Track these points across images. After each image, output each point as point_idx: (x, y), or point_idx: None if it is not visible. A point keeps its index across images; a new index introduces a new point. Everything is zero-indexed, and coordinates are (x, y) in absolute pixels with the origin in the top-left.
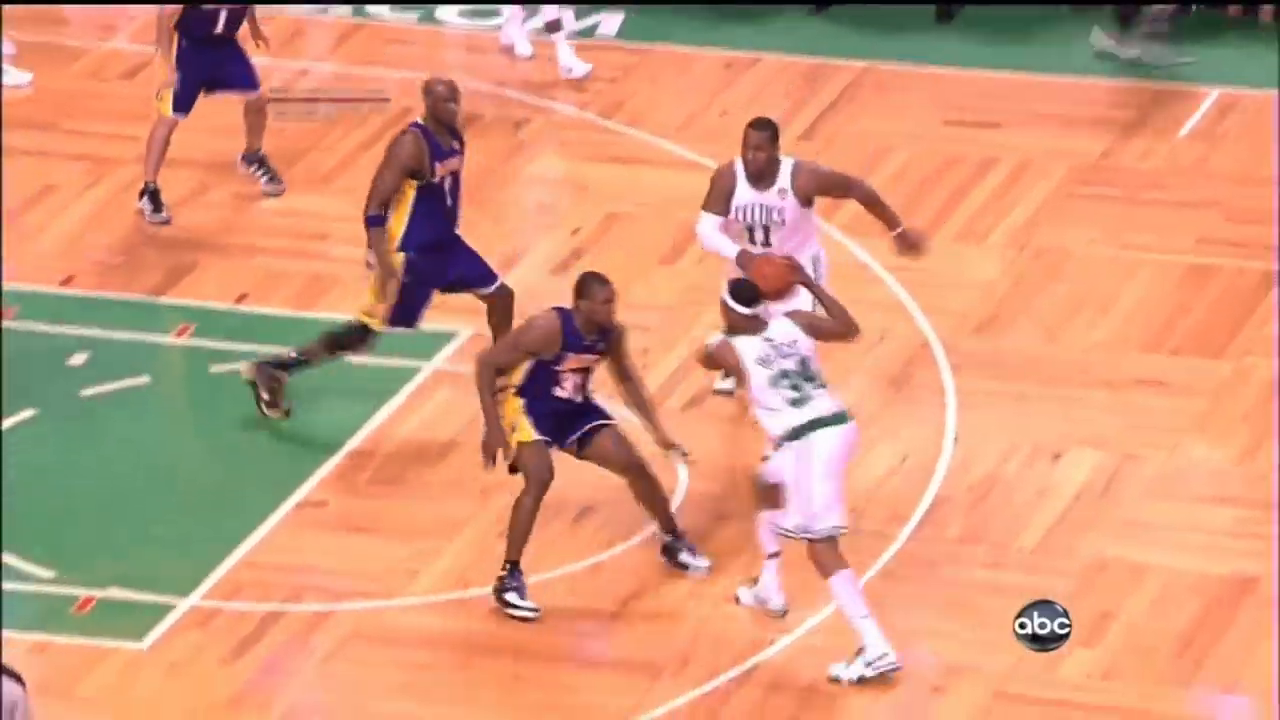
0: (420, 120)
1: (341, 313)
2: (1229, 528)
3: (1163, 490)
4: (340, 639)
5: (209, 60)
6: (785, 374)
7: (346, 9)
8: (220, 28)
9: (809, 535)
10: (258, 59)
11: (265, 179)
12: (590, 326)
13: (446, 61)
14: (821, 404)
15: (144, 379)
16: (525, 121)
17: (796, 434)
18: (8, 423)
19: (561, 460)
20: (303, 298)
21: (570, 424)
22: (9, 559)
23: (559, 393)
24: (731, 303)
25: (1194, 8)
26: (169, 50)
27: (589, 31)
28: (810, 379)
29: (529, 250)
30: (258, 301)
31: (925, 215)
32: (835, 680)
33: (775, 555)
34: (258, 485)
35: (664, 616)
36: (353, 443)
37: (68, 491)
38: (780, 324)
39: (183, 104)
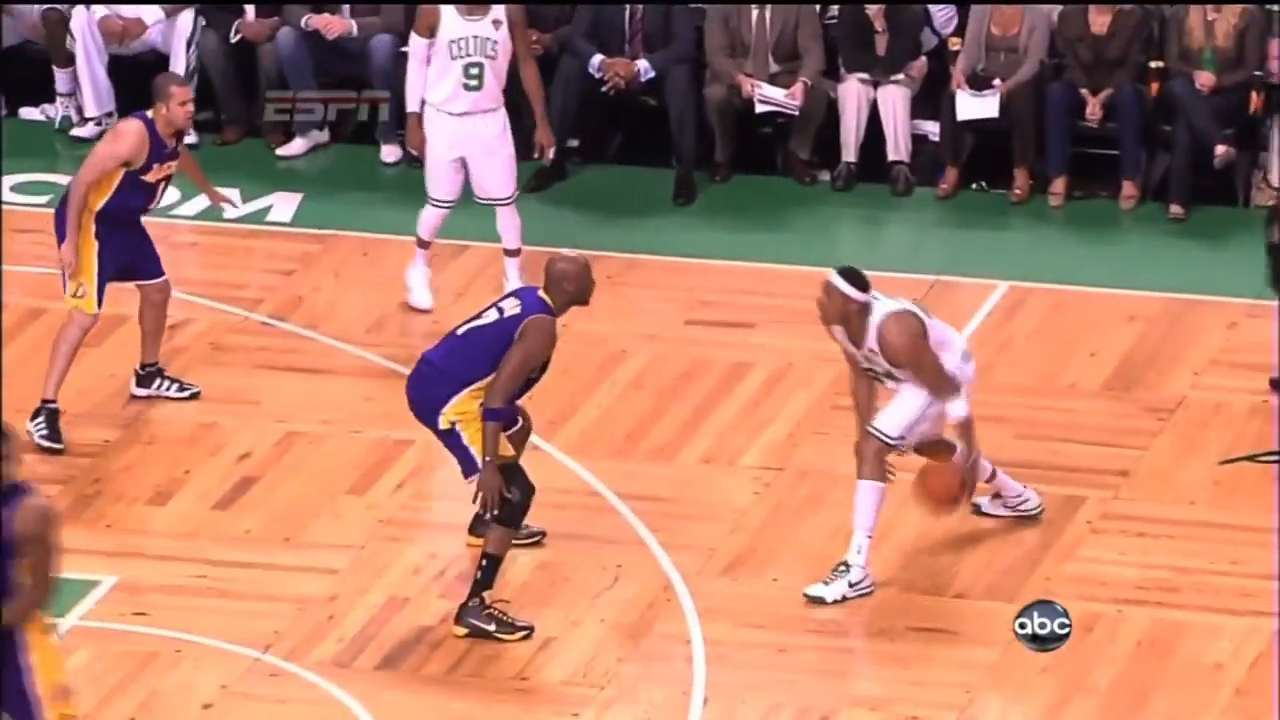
0: None
1: None
2: None
3: None
4: None
5: (126, 245)
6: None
7: None
8: (155, 202)
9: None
10: None
11: (175, 388)
12: None
13: None
14: None
15: None
16: (183, 324)
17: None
18: None
19: None
20: None
21: None
22: None
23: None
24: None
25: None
26: (78, 232)
27: (258, 216)
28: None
29: (189, 480)
30: None
31: (667, 432)
32: (818, 600)
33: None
34: None
35: None
36: None
37: None
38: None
39: (100, 299)
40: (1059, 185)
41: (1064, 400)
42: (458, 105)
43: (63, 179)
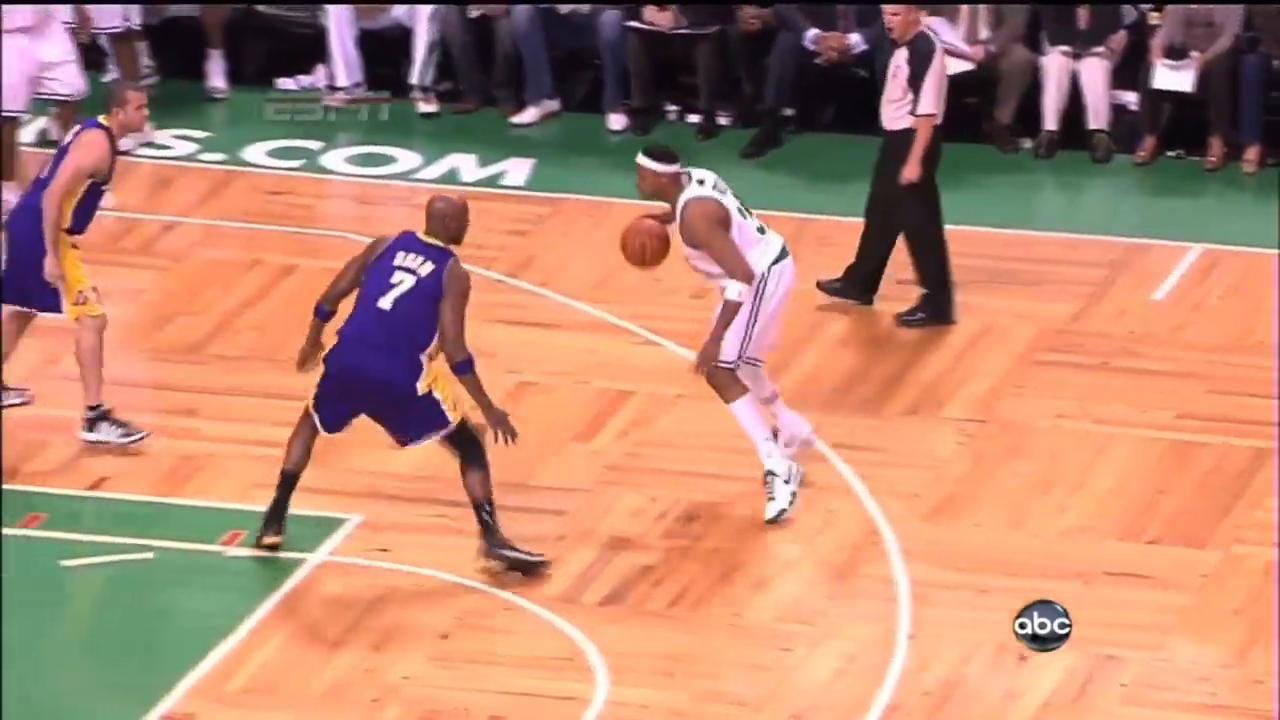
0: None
1: (212, 498)
2: None
3: (1144, 696)
4: None
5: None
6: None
7: (220, 154)
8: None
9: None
10: (119, 213)
11: (15, 396)
12: None
13: (332, 214)
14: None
15: None
16: None
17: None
18: None
19: None
20: (169, 482)
21: None
22: None
23: None
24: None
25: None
26: (58, 246)
27: (493, 180)
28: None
29: None
30: (117, 487)
31: (874, 385)
32: (778, 519)
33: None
34: (114, 698)
35: None
36: (224, 646)
37: None
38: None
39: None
40: (1252, 153)
41: (1254, 357)
42: None
43: (313, 144)
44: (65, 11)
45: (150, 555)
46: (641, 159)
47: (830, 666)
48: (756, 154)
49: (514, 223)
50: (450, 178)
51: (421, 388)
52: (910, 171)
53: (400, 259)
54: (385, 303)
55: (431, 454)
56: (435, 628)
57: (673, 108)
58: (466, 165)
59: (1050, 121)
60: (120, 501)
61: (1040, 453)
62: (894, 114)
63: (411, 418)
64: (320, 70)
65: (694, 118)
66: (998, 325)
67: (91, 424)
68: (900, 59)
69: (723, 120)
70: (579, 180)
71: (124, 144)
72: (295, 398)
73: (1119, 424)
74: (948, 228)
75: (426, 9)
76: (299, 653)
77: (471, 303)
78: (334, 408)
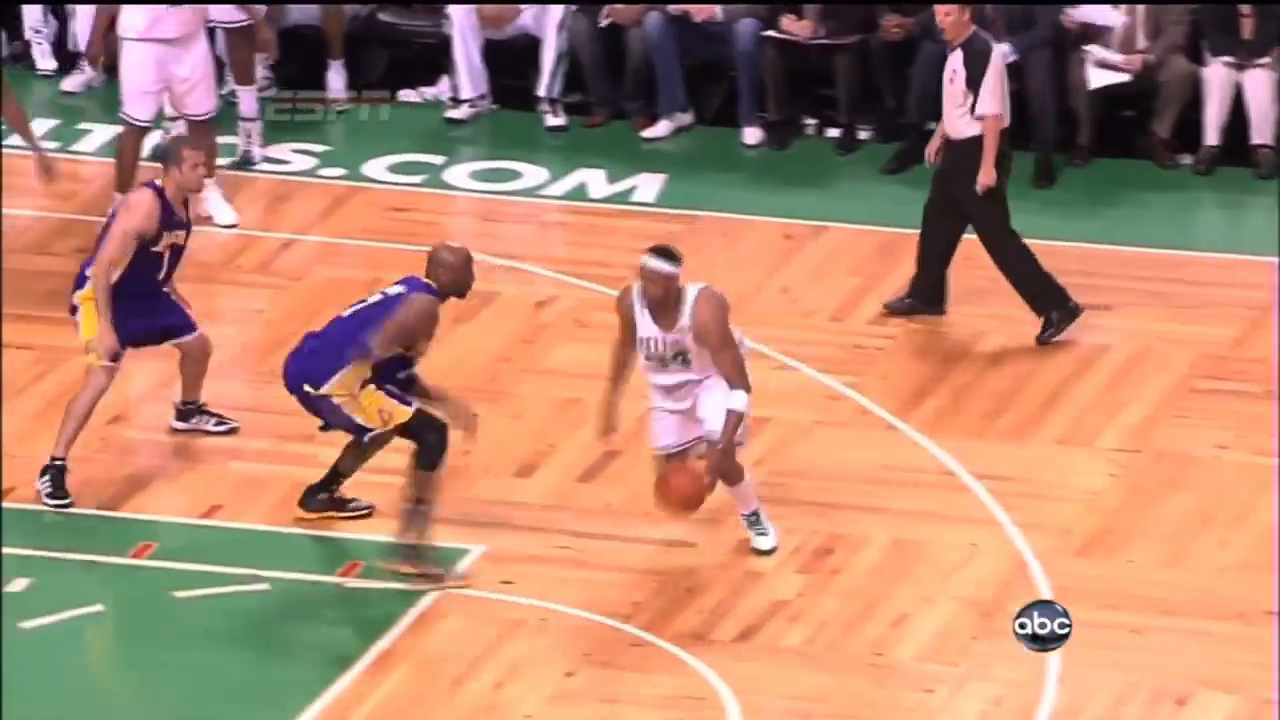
0: None
1: (329, 528)
2: None
3: None
4: None
5: (149, 312)
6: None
7: (340, 169)
8: (167, 272)
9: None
10: (236, 231)
11: (214, 423)
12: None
13: (456, 231)
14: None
15: (95, 608)
16: (549, 301)
17: None
18: None
19: None
20: (285, 510)
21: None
22: None
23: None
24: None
25: None
26: (109, 304)
27: (623, 197)
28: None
29: (554, 453)
30: (231, 515)
31: (1023, 412)
32: (771, 550)
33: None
34: None
35: None
36: (343, 680)
37: None
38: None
39: (117, 355)
40: None
41: None
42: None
43: (436, 159)
44: (222, 13)
45: (266, 586)
46: (658, 263)
47: (975, 709)
48: (899, 170)
49: (645, 241)
50: (578, 193)
51: (317, 389)
52: (985, 177)
53: (389, 287)
54: (347, 311)
55: (559, 484)
56: (560, 664)
57: (810, 121)
58: (595, 181)
59: (1211, 136)
60: (234, 530)
61: (1199, 485)
62: (958, 121)
63: (320, 410)
64: (444, 82)
65: (833, 131)
66: (1154, 350)
67: (46, 470)
68: (955, 62)
69: (863, 134)
70: (712, 196)
71: (255, 154)
72: None
73: None
74: (1103, 246)
75: (555, 18)
76: (419, 688)
77: (600, 325)
78: None
